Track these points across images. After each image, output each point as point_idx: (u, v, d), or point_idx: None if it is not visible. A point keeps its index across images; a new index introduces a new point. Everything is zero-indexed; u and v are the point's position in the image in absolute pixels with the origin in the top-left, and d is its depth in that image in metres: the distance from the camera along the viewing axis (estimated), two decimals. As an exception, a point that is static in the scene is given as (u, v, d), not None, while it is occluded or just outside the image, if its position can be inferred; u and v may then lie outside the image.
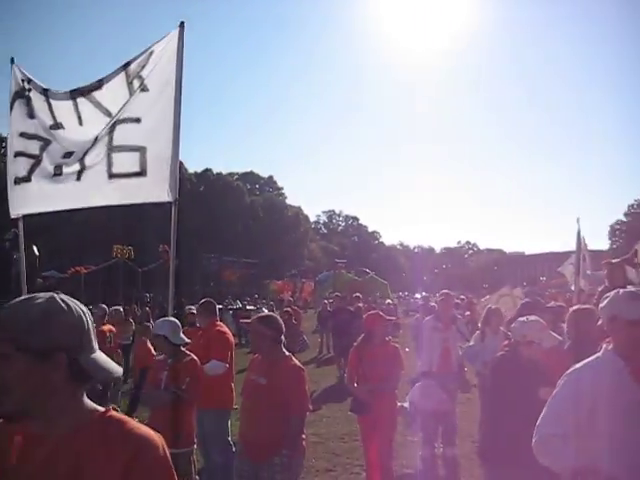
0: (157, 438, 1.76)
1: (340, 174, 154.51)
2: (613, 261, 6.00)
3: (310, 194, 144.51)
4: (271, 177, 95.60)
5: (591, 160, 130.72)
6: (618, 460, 3.08)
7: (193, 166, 79.88)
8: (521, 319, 4.90)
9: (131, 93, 5.35)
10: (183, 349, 5.72)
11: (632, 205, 78.63)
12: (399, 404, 7.02)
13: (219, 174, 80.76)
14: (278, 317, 5.30)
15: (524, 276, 63.49)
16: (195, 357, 5.75)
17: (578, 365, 3.35)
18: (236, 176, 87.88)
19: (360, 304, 19.10)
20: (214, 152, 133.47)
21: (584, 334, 5.26)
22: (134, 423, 1.78)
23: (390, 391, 6.68)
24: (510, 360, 4.76)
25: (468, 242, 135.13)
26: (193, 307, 10.79)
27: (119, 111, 5.34)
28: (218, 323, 7.43)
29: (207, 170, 79.27)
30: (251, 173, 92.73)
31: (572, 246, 13.35)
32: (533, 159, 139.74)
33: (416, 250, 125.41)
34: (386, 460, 6.63)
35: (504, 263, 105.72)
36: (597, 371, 3.25)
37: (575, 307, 5.82)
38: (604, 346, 3.36)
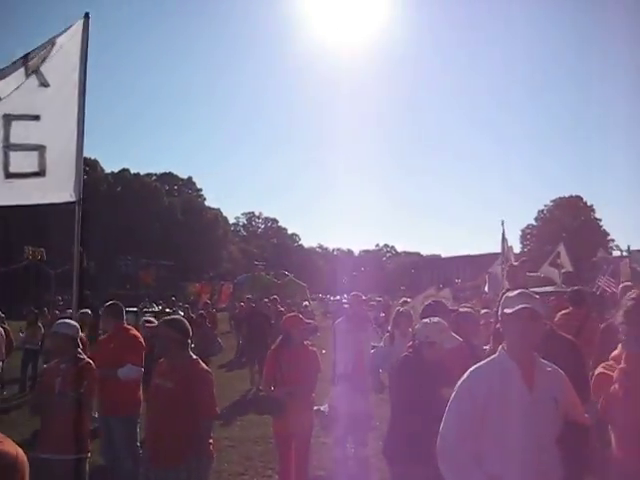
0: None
1: (260, 176, 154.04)
2: (514, 263, 6.18)
3: (230, 196, 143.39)
4: (190, 178, 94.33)
5: (507, 166, 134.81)
6: (508, 460, 3.16)
7: (110, 166, 78.28)
8: (424, 321, 5.00)
9: (28, 88, 5.11)
10: (80, 353, 5.55)
11: (542, 211, 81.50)
12: (316, 407, 7.03)
13: (137, 174, 79.28)
14: (185, 320, 5.22)
15: (440, 278, 64.80)
16: (90, 361, 5.59)
17: (472, 367, 3.44)
18: (154, 177, 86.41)
19: (280, 307, 19.10)
20: (132, 152, 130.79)
21: (464, 335, 5.49)
22: None
23: (307, 394, 6.67)
24: (413, 361, 4.84)
25: (386, 245, 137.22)
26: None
27: (12, 106, 5.09)
28: (127, 327, 7.23)
29: (124, 170, 77.71)
30: (170, 174, 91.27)
31: (488, 249, 13.77)
32: (451, 164, 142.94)
33: (335, 253, 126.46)
34: (301, 463, 6.61)
35: (421, 266, 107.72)
36: (489, 371, 3.34)
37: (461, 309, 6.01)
38: (499, 347, 3.47)
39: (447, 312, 6.41)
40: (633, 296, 3.52)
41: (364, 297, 9.20)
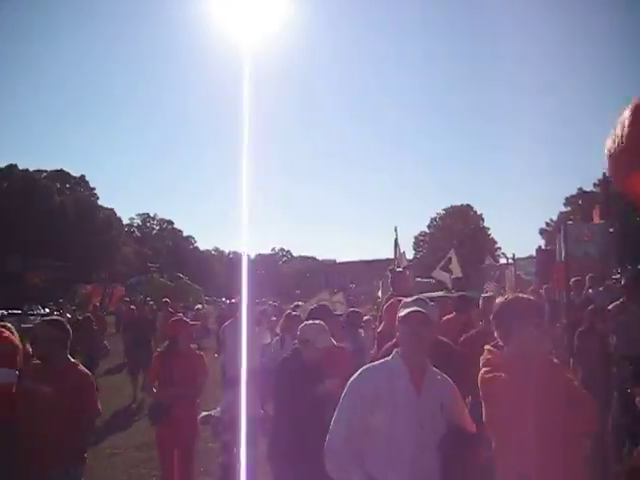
0: None
1: (156, 176, 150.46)
2: (398, 270, 6.33)
3: (124, 196, 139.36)
4: (83, 176, 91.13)
5: (402, 173, 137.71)
6: (391, 463, 3.21)
7: (-3, 161, 74.56)
8: (305, 323, 5.07)
9: None
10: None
11: (434, 218, 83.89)
12: (205, 413, 6.93)
13: (25, 171, 75.92)
14: (65, 321, 5.04)
15: (335, 283, 65.49)
16: None
17: (364, 367, 3.49)
18: (44, 174, 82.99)
19: (171, 310, 18.73)
20: (21, 147, 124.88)
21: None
22: None
23: (192, 398, 6.56)
24: (291, 361, 4.89)
25: (282, 249, 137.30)
26: None
27: None
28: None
29: (12, 166, 74.23)
30: (61, 171, 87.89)
31: (383, 254, 14.03)
32: (348, 170, 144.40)
33: (231, 256, 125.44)
34: (185, 469, 6.51)
35: (316, 270, 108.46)
36: (380, 373, 3.39)
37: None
38: (394, 350, 3.54)
39: (331, 315, 6.50)
40: (503, 300, 3.65)
41: (257, 300, 9.17)
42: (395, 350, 3.53)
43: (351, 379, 3.44)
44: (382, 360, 3.53)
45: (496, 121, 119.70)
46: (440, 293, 15.63)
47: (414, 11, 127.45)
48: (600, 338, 7.42)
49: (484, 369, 3.48)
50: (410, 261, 15.71)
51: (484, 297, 7.03)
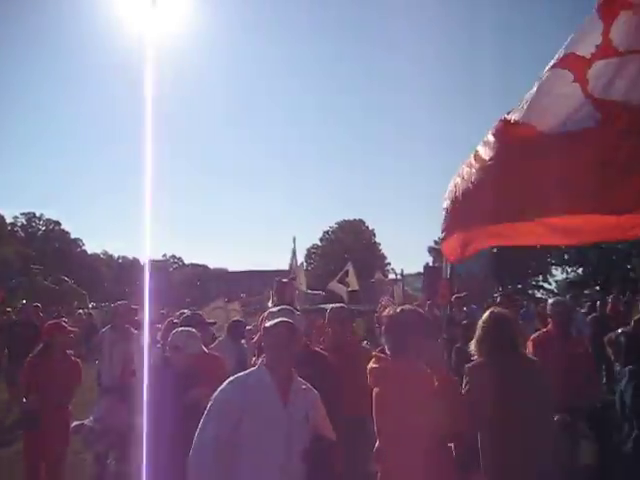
0: None
1: (43, 175, 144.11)
2: (283, 280, 6.37)
3: (8, 194, 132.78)
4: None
5: (297, 185, 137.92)
6: (259, 474, 3.21)
7: None
8: (176, 329, 5.04)
9: None
10: None
11: (327, 232, 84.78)
12: (78, 422, 6.69)
13: None
14: None
15: (226, 292, 64.95)
16: None
17: (231, 378, 3.47)
18: None
19: (42, 315, 17.88)
20: None
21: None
22: None
23: (63, 406, 6.32)
24: (162, 367, 4.84)
25: (174, 256, 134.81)
26: None
27: None
28: None
29: None
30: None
31: (275, 266, 14.03)
32: (240, 180, 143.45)
33: (120, 261, 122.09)
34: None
35: (207, 278, 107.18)
36: (246, 384, 3.38)
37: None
38: (259, 361, 3.54)
39: (203, 323, 6.47)
40: (389, 315, 3.74)
41: (134, 306, 8.95)
42: (261, 360, 3.54)
43: (218, 391, 3.42)
44: (248, 371, 3.52)
45: (391, 143, 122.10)
46: (336, 305, 15.68)
47: (301, 12, 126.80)
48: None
49: (372, 378, 3.55)
50: (308, 273, 15.80)
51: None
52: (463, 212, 4.61)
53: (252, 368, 3.58)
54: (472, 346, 4.37)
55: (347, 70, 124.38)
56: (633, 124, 4.36)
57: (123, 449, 7.52)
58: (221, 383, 3.47)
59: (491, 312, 4.48)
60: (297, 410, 3.37)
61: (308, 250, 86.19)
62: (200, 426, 3.34)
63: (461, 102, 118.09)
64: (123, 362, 7.65)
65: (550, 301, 6.73)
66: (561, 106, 4.58)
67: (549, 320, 6.40)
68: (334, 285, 21.57)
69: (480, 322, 4.44)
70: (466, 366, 4.25)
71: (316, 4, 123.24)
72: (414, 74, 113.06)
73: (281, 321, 3.42)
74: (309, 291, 22.51)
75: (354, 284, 21.33)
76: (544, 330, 6.36)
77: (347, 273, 22.16)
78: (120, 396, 7.41)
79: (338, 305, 6.33)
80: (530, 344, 6.32)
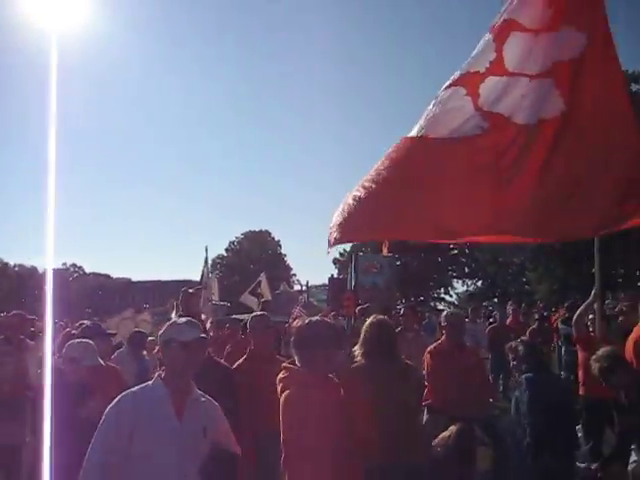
0: None
1: None
2: (189, 290, 6.26)
3: None
4: None
5: (202, 196, 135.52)
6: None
7: None
8: (72, 341, 4.91)
9: None
10: None
11: (233, 242, 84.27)
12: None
13: None
14: None
15: (129, 302, 63.42)
16: None
17: (124, 393, 3.37)
18: None
19: None
20: None
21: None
22: None
23: None
24: (56, 379, 4.68)
25: (74, 265, 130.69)
26: None
27: None
28: None
29: None
30: None
31: (180, 275, 13.75)
32: (147, 189, 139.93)
33: (17, 269, 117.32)
34: None
35: (109, 288, 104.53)
36: (139, 398, 3.29)
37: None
38: (156, 374, 3.45)
39: (103, 334, 6.32)
40: (298, 326, 3.73)
41: (29, 317, 8.58)
42: (157, 373, 3.47)
43: (110, 406, 3.31)
44: (143, 385, 3.44)
45: (297, 155, 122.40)
46: (258, 313, 15.55)
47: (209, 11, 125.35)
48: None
49: (281, 388, 3.52)
50: (205, 283, 15.60)
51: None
52: (356, 221, 4.75)
53: (149, 381, 3.50)
54: (356, 350, 4.56)
55: (258, 74, 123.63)
56: (516, 139, 4.89)
57: (13, 468, 7.18)
58: (118, 395, 3.38)
59: (373, 318, 4.71)
60: (194, 424, 3.31)
61: (213, 260, 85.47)
62: (92, 443, 3.22)
63: (359, 111, 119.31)
64: (16, 375, 7.31)
65: (443, 313, 6.91)
66: (453, 117, 4.94)
67: (443, 331, 6.56)
68: (245, 297, 21.42)
69: (363, 327, 4.67)
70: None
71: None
72: (312, 82, 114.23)
73: (196, 338, 3.39)
74: (214, 302, 22.28)
75: (267, 294, 21.27)
76: (439, 342, 6.51)
77: (260, 284, 22.08)
78: (10, 412, 7.07)
79: (260, 313, 6.28)
80: (427, 355, 6.45)
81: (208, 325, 12.21)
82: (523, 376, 5.17)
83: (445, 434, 3.85)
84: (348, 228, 4.72)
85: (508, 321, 15.66)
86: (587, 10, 5.07)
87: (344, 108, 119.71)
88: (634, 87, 40.66)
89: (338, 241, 4.71)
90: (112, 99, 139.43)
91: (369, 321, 4.79)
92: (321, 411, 3.34)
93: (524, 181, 4.90)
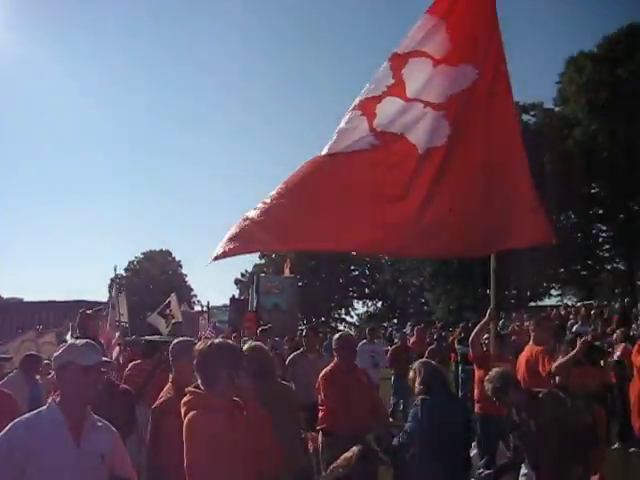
0: None
1: None
2: (87, 312, 6.09)
3: None
4: None
5: (104, 215, 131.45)
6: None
7: None
8: None
9: None
10: None
11: (132, 262, 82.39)
12: None
13: None
14: None
15: (20, 323, 60.70)
16: None
17: (16, 420, 3.23)
18: None
19: None
20: None
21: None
22: None
23: None
24: None
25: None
26: None
27: None
28: None
29: None
30: None
31: (70, 296, 13.33)
32: (38, 205, 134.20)
33: None
34: None
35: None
36: (33, 426, 3.16)
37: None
38: (50, 399, 3.34)
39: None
40: (201, 348, 3.67)
41: None
42: (51, 399, 3.35)
43: (2, 433, 3.16)
44: (37, 411, 3.30)
45: (194, 172, 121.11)
46: (155, 337, 15.24)
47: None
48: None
49: (185, 412, 3.45)
50: (113, 304, 15.14)
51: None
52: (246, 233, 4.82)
53: (43, 407, 3.36)
54: None
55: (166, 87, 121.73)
56: (408, 156, 5.19)
57: None
58: (10, 422, 3.22)
59: (250, 343, 4.89)
60: (92, 450, 3.20)
61: (112, 280, 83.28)
62: None
63: (265, 130, 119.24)
64: None
65: (335, 336, 6.96)
66: (348, 136, 5.11)
67: (335, 354, 6.59)
68: (154, 318, 20.92)
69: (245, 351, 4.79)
70: None
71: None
72: (201, 100, 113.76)
73: (98, 362, 3.31)
74: (122, 322, 21.65)
75: (178, 315, 20.90)
76: (332, 365, 6.54)
77: (170, 304, 21.68)
78: None
79: (186, 339, 6.11)
80: (321, 379, 6.47)
81: (117, 349, 11.91)
82: (419, 397, 5.23)
83: (347, 455, 3.85)
84: (238, 240, 4.75)
85: (412, 341, 15.99)
86: (484, 47, 5.40)
87: (242, 126, 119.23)
88: (525, 117, 42.95)
89: (226, 253, 4.72)
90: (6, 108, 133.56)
91: (247, 346, 4.97)
92: (226, 433, 3.30)
93: (412, 200, 5.13)
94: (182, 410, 3.47)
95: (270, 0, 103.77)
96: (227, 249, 4.65)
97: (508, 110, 5.54)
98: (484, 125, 5.33)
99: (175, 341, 5.11)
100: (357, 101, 5.33)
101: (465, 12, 5.43)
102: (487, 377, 5.44)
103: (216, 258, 4.64)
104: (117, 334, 12.84)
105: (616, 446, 9.53)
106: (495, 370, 5.50)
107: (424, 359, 5.73)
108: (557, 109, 46.48)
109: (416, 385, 5.22)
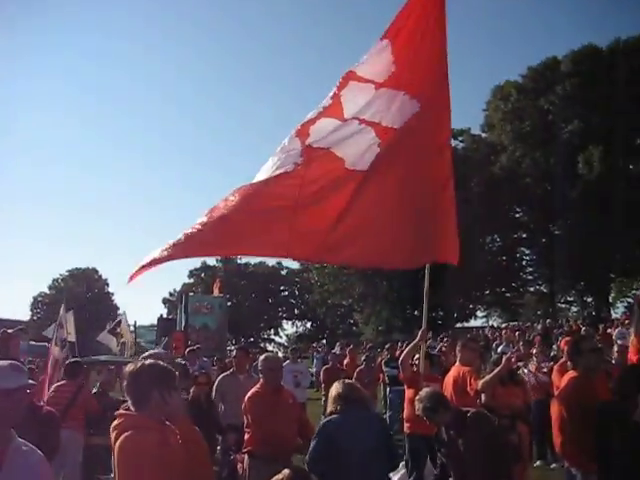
0: None
1: None
2: (8, 331, 5.89)
3: None
4: None
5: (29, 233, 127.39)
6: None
7: None
8: None
9: None
10: None
11: (56, 279, 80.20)
12: None
13: None
14: None
15: None
16: None
17: None
18: None
19: None
20: None
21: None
22: None
23: None
24: None
25: None
26: None
27: None
28: None
29: None
30: None
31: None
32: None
33: None
34: None
35: None
36: None
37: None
38: None
39: None
40: (131, 369, 3.60)
41: None
42: None
43: None
44: None
45: (120, 191, 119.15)
46: (104, 357, 14.91)
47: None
48: (207, 408, 7.71)
49: (115, 435, 3.36)
50: (31, 323, 14.65)
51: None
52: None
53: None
54: None
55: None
56: (327, 170, 5.35)
57: None
58: None
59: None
60: (15, 475, 3.09)
61: (34, 298, 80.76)
62: None
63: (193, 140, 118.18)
64: None
65: (261, 357, 6.94)
66: (280, 157, 5.22)
67: (261, 375, 6.57)
68: (104, 336, 20.39)
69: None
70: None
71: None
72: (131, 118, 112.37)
73: (19, 386, 3.19)
74: (32, 342, 20.96)
75: (128, 336, 20.45)
76: (257, 386, 6.51)
77: (119, 323, 21.22)
78: None
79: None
80: (246, 402, 6.42)
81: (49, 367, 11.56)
82: (323, 420, 5.18)
83: (278, 477, 3.83)
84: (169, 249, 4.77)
85: (346, 362, 16.05)
86: (428, 78, 5.66)
87: (164, 142, 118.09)
88: (453, 142, 44.03)
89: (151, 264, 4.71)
90: None
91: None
92: (160, 453, 3.24)
93: (329, 209, 5.31)
94: (112, 435, 3.38)
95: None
96: (150, 261, 4.65)
97: (443, 140, 5.82)
98: (415, 155, 5.61)
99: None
100: (298, 126, 5.47)
101: (412, 37, 5.68)
102: (418, 397, 5.54)
103: (143, 268, 4.62)
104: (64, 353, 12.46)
105: (538, 464, 9.78)
106: (425, 390, 5.63)
107: (341, 380, 5.70)
108: (484, 135, 47.90)
109: (329, 404, 5.21)
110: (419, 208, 5.57)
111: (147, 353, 4.23)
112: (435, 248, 5.73)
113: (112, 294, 79.89)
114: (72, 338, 13.73)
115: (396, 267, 6.00)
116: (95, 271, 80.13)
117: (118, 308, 78.42)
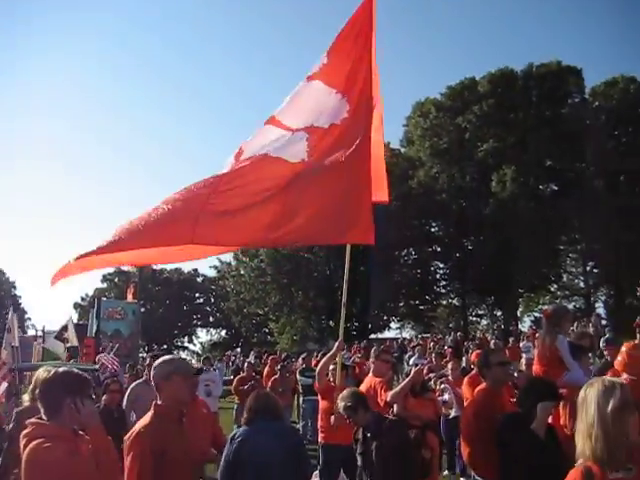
0: None
1: None
2: None
3: None
4: None
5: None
6: None
7: None
8: None
9: None
10: None
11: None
12: None
13: None
14: None
15: None
16: None
17: None
18: None
19: None
20: None
21: None
22: None
23: None
24: None
25: None
26: None
27: None
28: None
29: None
30: None
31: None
32: None
33: None
34: None
35: None
36: None
37: None
38: None
39: None
40: (44, 377, 3.54)
41: None
42: None
43: None
44: None
45: (33, 194, 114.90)
46: (53, 362, 14.38)
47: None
48: (119, 416, 7.60)
49: (24, 444, 3.28)
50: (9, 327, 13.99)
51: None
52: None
53: None
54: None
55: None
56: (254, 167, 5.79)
57: None
58: None
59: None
60: None
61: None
62: None
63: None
64: None
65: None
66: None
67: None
68: (52, 343, 19.55)
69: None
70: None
71: None
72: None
73: None
74: (13, 345, 20.07)
75: (74, 340, 19.69)
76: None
77: (66, 328, 20.44)
78: None
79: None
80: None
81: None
82: (232, 433, 5.14)
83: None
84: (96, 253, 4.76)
85: (266, 370, 16.06)
86: (355, 76, 6.14)
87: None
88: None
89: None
90: None
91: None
92: (69, 461, 3.19)
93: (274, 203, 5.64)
94: (22, 443, 3.31)
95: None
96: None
97: (365, 144, 6.12)
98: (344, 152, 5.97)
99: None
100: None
101: (346, 39, 6.24)
102: (340, 396, 5.70)
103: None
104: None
105: (446, 473, 10.02)
106: (347, 389, 5.88)
107: (256, 391, 5.70)
108: (403, 150, 48.87)
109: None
110: (340, 194, 5.94)
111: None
112: (353, 230, 6.05)
113: (20, 297, 77.00)
114: (16, 343, 13.27)
115: (319, 242, 6.53)
116: (2, 273, 77.22)
117: (26, 312, 75.81)
